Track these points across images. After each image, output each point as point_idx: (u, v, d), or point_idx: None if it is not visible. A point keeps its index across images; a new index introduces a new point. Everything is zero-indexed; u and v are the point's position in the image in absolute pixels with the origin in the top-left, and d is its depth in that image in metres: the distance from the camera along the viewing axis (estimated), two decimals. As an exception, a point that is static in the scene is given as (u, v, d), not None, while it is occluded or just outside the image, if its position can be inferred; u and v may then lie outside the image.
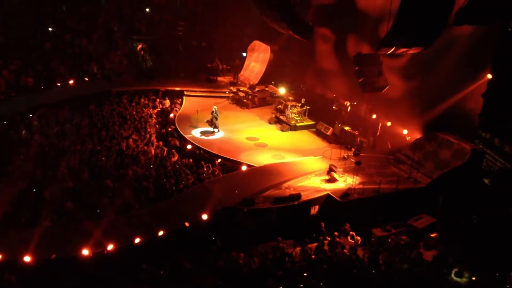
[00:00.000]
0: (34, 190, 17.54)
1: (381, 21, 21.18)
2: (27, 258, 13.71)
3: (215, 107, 24.59)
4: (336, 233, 16.71)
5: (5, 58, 27.70)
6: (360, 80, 19.06)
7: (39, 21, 31.54)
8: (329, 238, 16.60)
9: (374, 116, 24.23)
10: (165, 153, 21.40)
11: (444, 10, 16.33)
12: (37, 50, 29.47)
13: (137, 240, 14.91)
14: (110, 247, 14.52)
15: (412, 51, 18.46)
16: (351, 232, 17.10)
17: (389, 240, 16.82)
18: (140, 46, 31.67)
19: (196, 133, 24.15)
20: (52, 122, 23.06)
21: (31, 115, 23.29)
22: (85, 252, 14.21)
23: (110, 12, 34.27)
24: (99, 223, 15.61)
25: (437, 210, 18.69)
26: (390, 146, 23.07)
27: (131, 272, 14.06)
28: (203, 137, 23.86)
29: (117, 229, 15.33)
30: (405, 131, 23.17)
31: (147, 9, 35.78)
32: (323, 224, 17.21)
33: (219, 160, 21.26)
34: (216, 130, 24.40)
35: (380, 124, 23.57)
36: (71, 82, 27.93)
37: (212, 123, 24.42)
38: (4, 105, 24.32)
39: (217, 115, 24.41)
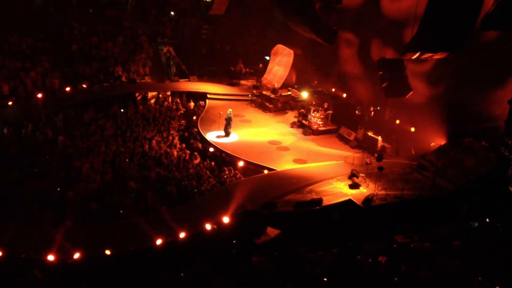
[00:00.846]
0: (58, 190, 17.78)
1: (406, 26, 21.01)
2: (50, 257, 13.91)
3: (230, 110, 24.59)
4: (358, 239, 16.58)
5: (32, 60, 28.21)
6: (383, 85, 18.93)
7: (66, 23, 32.03)
8: (350, 244, 16.47)
9: (397, 122, 24.02)
10: (187, 156, 21.54)
11: (471, 15, 16.13)
12: (63, 52, 29.93)
13: (158, 242, 15.01)
14: (132, 248, 14.64)
15: (437, 56, 18.25)
16: (373, 239, 16.95)
17: (411, 246, 16.64)
18: (167, 48, 31.94)
19: (211, 136, 24.15)
20: (77, 123, 23.39)
21: (56, 116, 23.63)
22: (107, 252, 14.36)
23: (136, 16, 34.66)
24: (122, 224, 15.76)
25: (461, 217, 18.43)
26: (413, 152, 22.83)
27: (152, 273, 14.16)
28: (220, 140, 23.90)
29: (139, 230, 15.45)
30: (429, 137, 22.91)
31: (172, 13, 36.08)
32: (344, 230, 17.10)
33: (241, 163, 21.28)
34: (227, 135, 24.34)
35: (404, 129, 23.32)
36: (96, 84, 28.32)
37: (225, 127, 24.35)
38: (30, 106, 24.75)
39: (231, 119, 24.32)
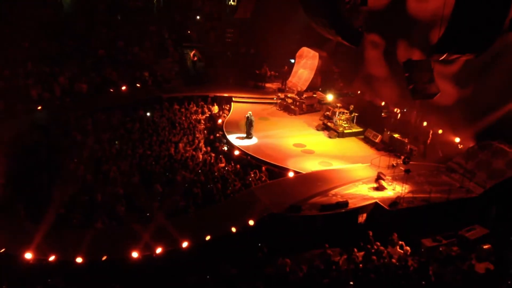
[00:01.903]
0: (86, 193, 18.02)
1: (433, 26, 20.78)
2: (79, 259, 14.11)
3: (250, 112, 24.66)
4: (379, 243, 16.43)
5: (61, 64, 28.73)
6: (410, 87, 18.72)
7: (94, 29, 32.55)
8: (376, 247, 16.33)
9: (424, 124, 23.75)
10: (212, 159, 21.64)
11: (499, 16, 15.87)
12: (91, 57, 30.41)
13: (184, 244, 15.10)
14: (158, 250, 14.77)
15: (465, 57, 18.01)
16: (400, 242, 16.77)
17: (440, 250, 16.42)
18: (194, 51, 32.13)
19: (233, 138, 24.28)
20: (105, 127, 23.70)
21: (84, 120, 23.98)
22: (135, 254, 14.50)
23: (162, 20, 34.99)
24: (149, 226, 15.91)
25: (490, 221, 18.12)
26: (441, 154, 22.55)
27: (179, 275, 14.25)
28: (241, 142, 24.01)
29: (166, 232, 15.57)
30: (457, 139, 22.60)
31: (198, 17, 36.32)
32: (370, 233, 16.96)
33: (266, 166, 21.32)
34: (249, 137, 24.44)
35: (431, 131, 23.08)
36: (123, 88, 28.71)
37: (247, 130, 24.47)
38: (59, 110, 25.20)
39: (252, 122, 24.39)
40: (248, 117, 24.32)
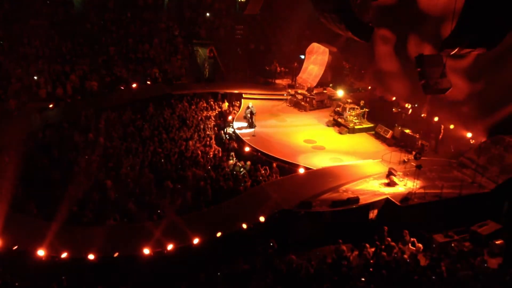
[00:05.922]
0: (98, 190, 18.12)
1: (444, 21, 20.59)
2: (91, 256, 14.20)
3: (251, 103, 24.72)
4: (390, 238, 16.34)
5: (72, 63, 28.90)
6: (422, 82, 18.58)
7: (104, 27, 32.70)
8: (388, 243, 16.25)
9: (436, 119, 23.58)
10: (223, 156, 21.65)
11: (511, 10, 15.67)
12: (101, 55, 30.54)
13: (195, 241, 15.14)
14: (170, 246, 14.82)
15: (476, 51, 17.81)
16: (411, 239, 16.67)
17: (452, 245, 16.31)
18: (209, 48, 32.12)
19: (242, 134, 24.40)
20: (116, 125, 23.78)
21: (96, 118, 24.09)
22: (146, 251, 14.57)
23: (171, 17, 35.05)
24: (160, 223, 15.95)
25: (503, 216, 17.97)
26: (453, 150, 22.39)
27: (190, 271, 14.29)
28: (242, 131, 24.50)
29: (177, 229, 15.62)
30: (469, 134, 22.42)
31: (207, 14, 36.35)
32: (386, 228, 16.86)
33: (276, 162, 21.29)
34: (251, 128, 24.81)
35: (442, 126, 22.92)
36: (133, 85, 28.81)
37: (247, 120, 24.81)
38: (71, 108, 25.35)
39: (253, 112, 24.81)
40: (248, 107, 24.86)
